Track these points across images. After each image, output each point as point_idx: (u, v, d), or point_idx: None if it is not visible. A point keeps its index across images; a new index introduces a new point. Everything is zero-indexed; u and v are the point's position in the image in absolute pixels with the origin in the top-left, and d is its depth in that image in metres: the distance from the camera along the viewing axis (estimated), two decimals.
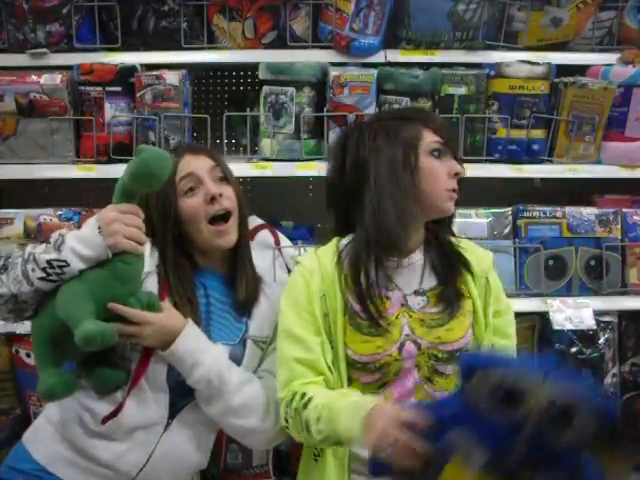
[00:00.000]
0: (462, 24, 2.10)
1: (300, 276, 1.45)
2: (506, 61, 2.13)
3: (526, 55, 2.16)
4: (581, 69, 2.20)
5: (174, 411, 1.50)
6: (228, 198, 1.53)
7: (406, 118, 1.45)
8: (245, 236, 1.61)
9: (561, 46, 2.23)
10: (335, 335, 1.38)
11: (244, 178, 2.52)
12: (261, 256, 1.69)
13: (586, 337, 2.16)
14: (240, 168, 2.13)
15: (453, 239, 1.53)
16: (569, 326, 2.08)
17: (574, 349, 2.16)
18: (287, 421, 1.37)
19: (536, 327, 2.25)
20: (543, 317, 2.17)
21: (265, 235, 1.92)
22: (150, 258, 1.50)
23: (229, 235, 1.53)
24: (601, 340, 2.18)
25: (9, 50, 2.10)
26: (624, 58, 2.19)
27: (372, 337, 1.37)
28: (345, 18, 2.08)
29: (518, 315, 2.20)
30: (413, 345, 1.38)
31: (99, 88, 2.05)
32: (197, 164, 1.54)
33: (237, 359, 1.52)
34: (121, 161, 2.06)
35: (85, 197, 2.28)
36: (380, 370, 1.37)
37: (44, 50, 2.07)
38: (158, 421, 1.48)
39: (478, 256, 1.52)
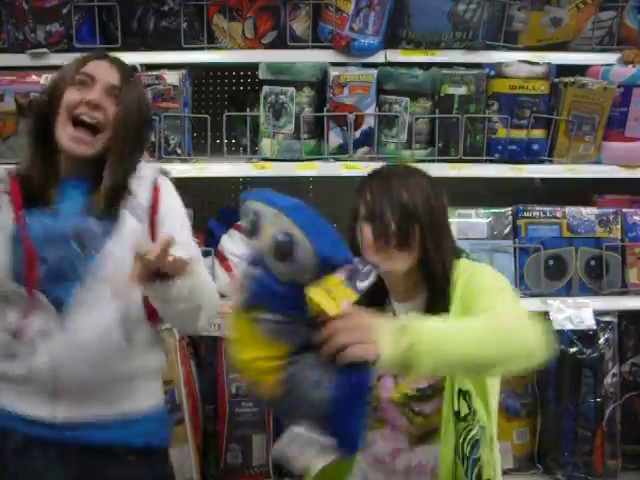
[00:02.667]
0: (462, 24, 2.10)
1: None
2: (506, 61, 2.13)
3: (526, 55, 2.16)
4: (581, 69, 2.20)
5: (60, 305, 1.41)
6: (105, 113, 1.44)
7: None
8: (121, 166, 1.47)
9: (561, 46, 2.22)
10: None
11: (244, 178, 2.52)
12: None
13: (586, 337, 2.16)
14: (240, 168, 2.14)
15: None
16: (569, 326, 2.08)
17: (574, 349, 2.16)
18: None
19: None
20: (543, 317, 2.17)
21: None
22: None
23: (84, 146, 1.43)
24: (601, 340, 2.18)
25: (9, 50, 2.10)
26: (624, 58, 2.20)
27: None
28: (345, 18, 2.08)
29: None
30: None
31: None
32: (104, 72, 1.47)
33: None
34: None
35: None
36: None
37: (44, 50, 2.07)
38: (45, 320, 1.40)
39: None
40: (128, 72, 1.54)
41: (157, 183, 1.53)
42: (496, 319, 1.20)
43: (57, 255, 1.39)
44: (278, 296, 1.06)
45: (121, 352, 1.44)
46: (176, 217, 1.53)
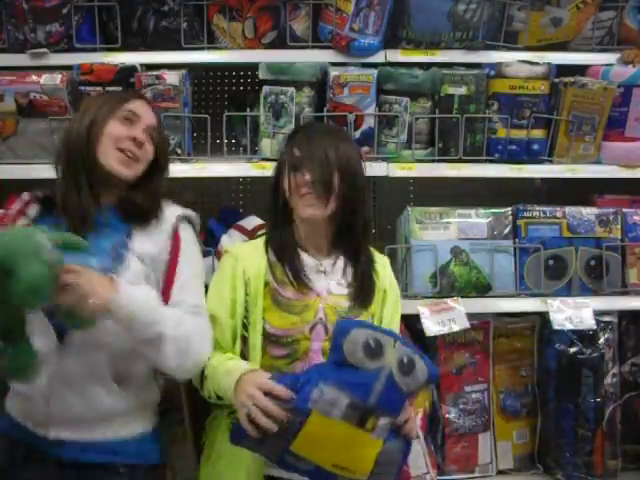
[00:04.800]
0: (462, 24, 2.10)
1: (228, 264, 1.67)
2: (506, 61, 2.13)
3: (526, 55, 2.16)
4: (581, 69, 2.21)
5: (62, 335, 1.49)
6: (144, 151, 1.61)
7: None
8: (152, 199, 1.62)
9: (561, 46, 2.23)
10: (254, 313, 1.60)
11: (244, 178, 2.52)
12: None
13: (586, 337, 2.16)
14: (240, 168, 2.14)
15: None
16: (569, 326, 2.08)
17: (574, 349, 2.16)
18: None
19: (536, 327, 2.25)
20: (543, 317, 2.17)
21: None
22: None
23: (129, 168, 1.58)
24: (601, 340, 2.17)
25: (9, 50, 2.10)
26: (624, 58, 2.20)
27: (289, 314, 1.60)
28: (345, 18, 2.08)
29: (518, 315, 2.22)
30: (323, 329, 1.60)
31: (99, 88, 2.04)
32: (147, 114, 1.64)
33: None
34: None
35: None
36: (291, 345, 1.59)
37: (44, 50, 2.07)
38: (47, 346, 1.46)
39: (383, 267, 1.75)
40: (157, 113, 1.71)
41: (177, 233, 1.62)
42: None
43: None
44: (399, 402, 1.40)
45: (111, 392, 1.52)
46: (188, 265, 1.62)
